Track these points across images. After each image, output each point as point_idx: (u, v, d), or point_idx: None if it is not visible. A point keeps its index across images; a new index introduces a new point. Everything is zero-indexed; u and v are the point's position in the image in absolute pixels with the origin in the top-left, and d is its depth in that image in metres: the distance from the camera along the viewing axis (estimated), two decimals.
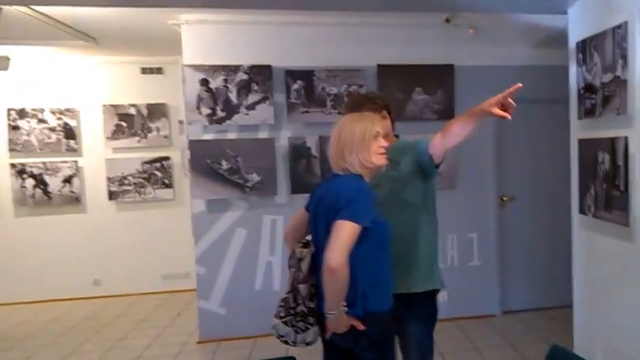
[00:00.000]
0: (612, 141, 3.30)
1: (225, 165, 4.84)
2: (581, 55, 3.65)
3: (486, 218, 5.42)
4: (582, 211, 3.74)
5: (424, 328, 2.61)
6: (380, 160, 2.22)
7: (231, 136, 4.93)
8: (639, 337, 3.13)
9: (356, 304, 2.12)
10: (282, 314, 2.23)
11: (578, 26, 3.77)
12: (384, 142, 2.23)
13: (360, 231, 2.02)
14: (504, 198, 5.49)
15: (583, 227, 3.82)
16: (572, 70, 3.81)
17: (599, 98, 3.43)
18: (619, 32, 3.17)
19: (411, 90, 5.21)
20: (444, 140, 2.40)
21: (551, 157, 5.37)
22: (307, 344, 2.24)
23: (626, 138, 3.15)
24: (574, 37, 3.78)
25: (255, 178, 4.94)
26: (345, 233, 1.98)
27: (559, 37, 4.30)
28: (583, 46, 3.61)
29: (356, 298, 2.11)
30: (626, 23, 3.09)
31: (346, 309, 2.09)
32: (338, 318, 2.09)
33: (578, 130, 3.79)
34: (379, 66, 5.16)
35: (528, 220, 5.51)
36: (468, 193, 5.32)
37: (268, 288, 5.03)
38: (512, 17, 4.85)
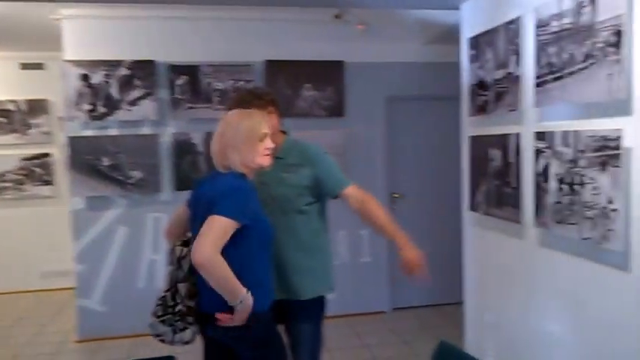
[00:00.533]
0: (504, 138, 3.23)
1: (106, 162, 4.72)
2: (473, 52, 3.57)
3: None
4: (473, 208, 3.67)
5: (313, 328, 2.52)
6: (264, 161, 2.15)
7: (113, 132, 4.73)
8: (528, 332, 3.08)
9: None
10: (159, 313, 2.15)
11: (470, 22, 3.69)
12: (270, 144, 2.16)
13: (235, 228, 1.96)
14: (395, 195, 5.40)
15: (473, 224, 3.76)
16: (465, 66, 3.73)
17: (492, 95, 3.35)
18: (511, 28, 3.09)
19: (299, 86, 5.07)
20: (359, 212, 2.55)
21: (442, 154, 5.32)
22: (185, 343, 2.15)
23: (517, 135, 3.08)
24: (466, 34, 3.70)
25: (137, 174, 4.77)
26: (215, 227, 1.91)
27: (452, 34, 4.22)
28: (475, 42, 3.53)
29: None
30: (518, 19, 3.02)
31: (248, 298, 1.99)
32: (243, 309, 1.99)
33: (470, 126, 3.71)
34: (267, 61, 4.99)
35: (419, 217, 5.46)
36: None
37: (152, 286, 4.80)
38: (404, 13, 4.74)
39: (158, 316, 2.14)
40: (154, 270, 4.84)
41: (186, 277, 2.13)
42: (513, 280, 3.26)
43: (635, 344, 2.28)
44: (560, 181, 2.67)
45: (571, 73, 2.56)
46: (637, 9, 2.18)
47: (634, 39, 2.20)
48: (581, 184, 2.52)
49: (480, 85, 3.49)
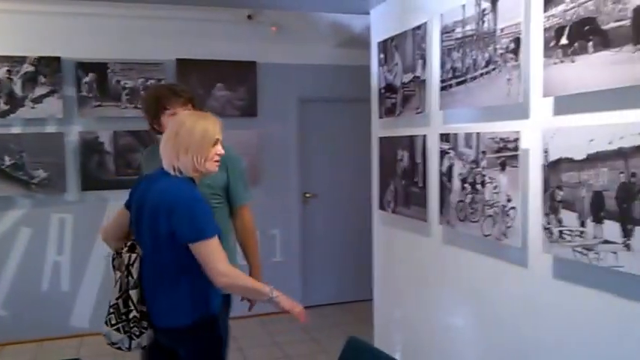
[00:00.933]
0: (411, 139, 3.28)
1: (8, 161, 4.45)
2: (382, 55, 3.60)
3: (289, 214, 5.28)
4: (382, 207, 3.71)
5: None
6: (213, 167, 2.09)
7: (16, 130, 4.53)
8: (435, 327, 3.14)
9: (187, 309, 2.04)
10: (113, 321, 2.08)
11: (379, 27, 3.72)
12: (221, 150, 2.09)
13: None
14: (307, 194, 5.38)
15: (383, 223, 3.80)
16: (374, 69, 3.76)
17: (400, 97, 3.40)
18: (418, 33, 3.15)
19: (211, 86, 4.98)
20: (238, 233, 2.62)
21: (354, 155, 5.35)
22: (143, 348, 2.12)
23: (424, 136, 3.14)
24: (376, 38, 3.73)
25: (41, 174, 4.53)
26: (211, 252, 1.94)
27: (362, 37, 4.24)
28: (384, 46, 3.56)
29: (186, 301, 2.04)
30: (425, 24, 3.07)
31: (274, 293, 2.05)
32: (281, 298, 2.05)
33: (379, 128, 3.75)
34: (178, 60, 4.84)
35: (331, 216, 5.47)
36: (270, 190, 5.12)
37: (56, 289, 4.59)
38: (316, 16, 4.74)
39: (112, 325, 2.08)
40: (58, 272, 4.61)
41: (136, 284, 2.08)
42: (420, 277, 3.31)
43: (533, 336, 2.36)
44: (463, 180, 2.74)
45: (473, 78, 2.63)
46: (534, 18, 2.26)
47: (531, 46, 2.28)
48: (483, 183, 2.59)
49: (388, 88, 3.53)
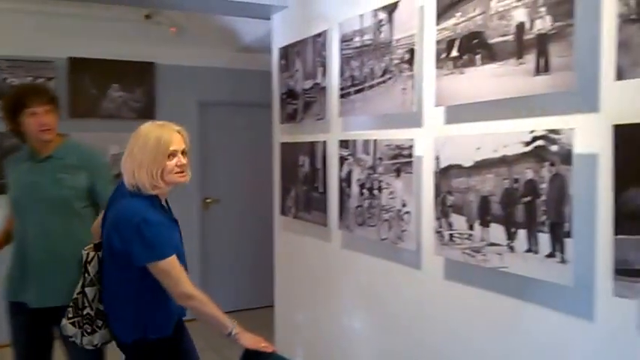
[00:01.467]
0: (312, 145, 3.28)
1: None
2: (283, 61, 3.58)
3: (189, 221, 5.09)
4: (283, 212, 3.68)
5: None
6: (174, 179, 2.00)
7: None
8: (336, 330, 3.16)
9: (128, 328, 2.02)
10: (70, 314, 2.13)
11: (281, 33, 3.70)
12: (182, 160, 2.01)
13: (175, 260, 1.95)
14: (208, 200, 5.24)
15: (284, 228, 3.77)
16: (275, 75, 3.73)
17: (301, 104, 3.39)
18: (319, 40, 3.16)
19: (107, 86, 4.75)
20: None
21: (255, 160, 5.27)
22: (94, 346, 2.13)
23: (324, 142, 3.15)
24: (277, 43, 3.70)
25: None
26: (166, 274, 1.92)
27: (264, 42, 4.19)
28: (285, 52, 3.55)
29: (129, 321, 2.01)
30: (325, 32, 3.09)
31: (235, 329, 2.00)
32: (242, 335, 2.01)
33: (281, 133, 3.72)
34: (71, 59, 4.57)
35: (233, 222, 5.36)
36: (168, 195, 4.91)
37: None
38: (217, 19, 4.62)
39: (69, 318, 2.12)
40: None
41: (93, 282, 2.10)
42: (320, 282, 3.31)
43: (428, 336, 2.43)
44: (362, 186, 2.78)
45: (371, 87, 2.67)
46: (427, 30, 2.33)
47: (424, 57, 2.36)
48: (379, 189, 2.64)
49: (290, 94, 3.51)
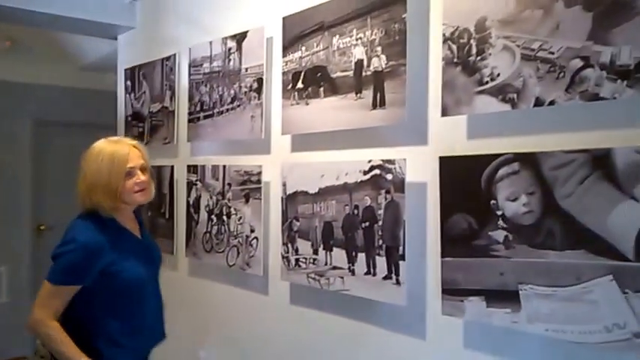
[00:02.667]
0: (159, 169, 3.12)
1: None
2: (129, 83, 3.39)
3: (19, 249, 4.57)
4: None
5: None
6: (134, 199, 1.80)
7: None
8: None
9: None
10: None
11: (128, 53, 3.50)
12: (141, 178, 1.79)
13: (71, 290, 1.72)
14: (42, 227, 4.73)
15: None
16: (121, 96, 3.51)
17: (147, 127, 3.22)
18: (168, 64, 3.04)
19: None
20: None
21: None
22: None
23: (172, 167, 3.02)
24: (123, 64, 3.50)
25: None
26: (42, 292, 1.73)
27: (109, 62, 3.93)
28: (132, 73, 3.36)
29: (90, 354, 1.72)
30: (174, 56, 2.99)
31: None
32: None
33: None
34: None
35: None
36: None
37: None
38: (59, 35, 4.24)
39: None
40: None
41: None
42: (168, 311, 3.12)
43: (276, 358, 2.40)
44: (210, 212, 2.69)
45: (220, 112, 2.63)
46: (275, 61, 2.35)
47: (272, 87, 2.37)
48: (228, 214, 2.58)
49: (135, 117, 3.33)
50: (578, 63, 1.38)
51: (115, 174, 1.74)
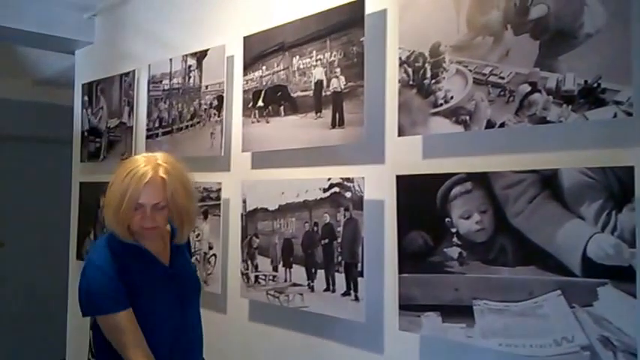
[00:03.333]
0: None
1: None
2: (87, 98, 3.30)
3: None
4: (80, 257, 3.32)
5: None
6: (147, 235, 1.61)
7: None
8: None
9: None
10: None
11: (85, 68, 3.42)
12: (147, 215, 1.55)
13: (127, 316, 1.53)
14: None
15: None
16: (77, 111, 3.42)
17: (104, 142, 3.14)
18: (126, 80, 2.98)
19: None
20: None
21: (51, 200, 4.66)
22: None
23: None
24: (80, 79, 3.41)
25: None
26: (110, 331, 1.56)
27: (66, 77, 3.82)
28: (89, 88, 3.28)
29: None
30: (133, 72, 2.93)
31: None
32: None
33: (81, 172, 3.40)
34: None
35: (23, 268, 4.68)
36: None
37: None
38: (15, 49, 4.10)
39: None
40: None
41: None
42: None
43: None
44: None
45: (179, 129, 2.59)
46: (235, 79, 2.34)
47: (232, 105, 2.36)
48: None
49: (92, 132, 3.24)
50: (526, 88, 1.44)
51: (126, 204, 1.51)
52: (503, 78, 1.48)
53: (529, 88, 1.44)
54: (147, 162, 1.56)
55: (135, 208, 1.53)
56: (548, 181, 1.40)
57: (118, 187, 1.53)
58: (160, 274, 1.65)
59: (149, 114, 2.78)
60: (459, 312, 1.55)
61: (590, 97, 1.33)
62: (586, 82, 1.34)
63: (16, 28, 3.05)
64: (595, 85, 1.33)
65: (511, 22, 1.48)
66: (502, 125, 1.47)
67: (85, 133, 3.31)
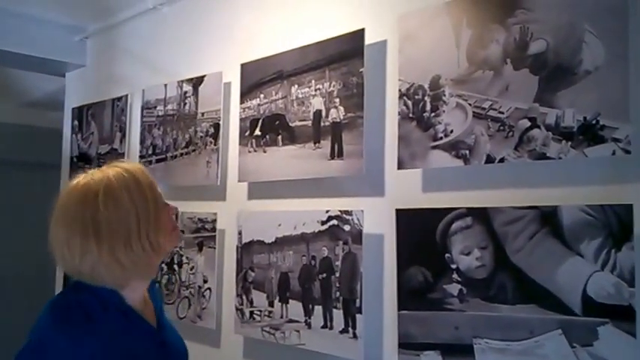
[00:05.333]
0: None
1: None
2: (76, 123, 3.41)
3: None
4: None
5: None
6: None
7: None
8: None
9: None
10: None
11: (75, 92, 3.53)
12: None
13: None
14: None
15: None
16: (67, 136, 3.52)
17: (95, 169, 3.23)
18: (119, 105, 3.09)
19: None
20: None
21: (38, 227, 4.73)
22: None
23: None
24: (70, 103, 3.52)
25: None
26: None
27: (55, 100, 3.93)
28: (80, 113, 3.39)
29: None
30: (126, 97, 3.04)
31: None
32: None
33: None
34: None
35: (5, 295, 4.74)
36: None
37: None
38: (3, 70, 4.21)
39: None
40: None
41: None
42: None
43: None
44: (161, 261, 2.71)
45: (174, 157, 2.68)
46: (232, 107, 2.44)
47: (229, 133, 2.45)
48: (180, 263, 2.61)
49: (82, 158, 3.34)
50: (525, 123, 1.53)
51: (160, 205, 1.30)
52: (502, 113, 1.58)
53: (528, 124, 1.53)
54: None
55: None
56: (547, 218, 1.49)
57: (136, 200, 1.21)
58: (147, 343, 1.27)
59: (142, 140, 2.88)
60: (459, 351, 1.62)
61: (589, 133, 1.42)
62: (585, 118, 1.43)
63: (5, 50, 3.17)
64: (594, 121, 1.42)
65: (511, 57, 1.58)
66: (502, 160, 1.56)
67: (75, 159, 3.40)
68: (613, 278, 1.37)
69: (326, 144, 2.01)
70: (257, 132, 2.27)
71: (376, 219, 1.89)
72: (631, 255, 1.35)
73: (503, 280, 1.56)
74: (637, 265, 1.34)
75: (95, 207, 1.19)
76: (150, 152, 2.82)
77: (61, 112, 3.68)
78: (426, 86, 1.73)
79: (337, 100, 1.99)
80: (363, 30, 1.92)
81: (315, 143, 2.05)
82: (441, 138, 1.69)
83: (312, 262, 2.04)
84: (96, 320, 1.19)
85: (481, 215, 1.61)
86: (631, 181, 1.38)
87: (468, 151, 1.63)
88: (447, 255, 1.67)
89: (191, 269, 2.55)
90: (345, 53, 1.97)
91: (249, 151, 2.29)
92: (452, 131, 1.67)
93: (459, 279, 1.64)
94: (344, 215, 1.96)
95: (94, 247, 1.17)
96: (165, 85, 2.75)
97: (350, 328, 1.89)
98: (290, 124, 2.15)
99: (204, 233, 2.51)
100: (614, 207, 1.39)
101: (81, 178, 1.27)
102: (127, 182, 1.24)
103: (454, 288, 1.65)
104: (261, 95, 2.27)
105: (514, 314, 1.53)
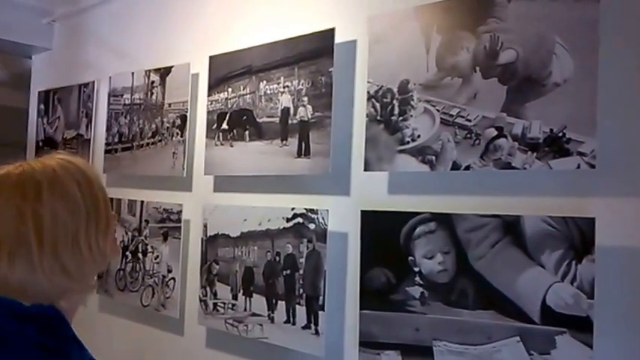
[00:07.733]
0: None
1: None
2: (42, 106, 3.18)
3: None
4: None
5: None
6: None
7: None
8: None
9: None
10: None
11: (42, 75, 3.30)
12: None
13: None
14: None
15: None
16: (32, 119, 3.29)
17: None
18: (85, 91, 2.88)
19: None
20: None
21: None
22: None
23: None
24: (37, 86, 3.29)
25: None
26: None
27: (22, 80, 3.66)
28: (46, 97, 3.16)
29: None
30: (93, 83, 2.84)
31: None
32: None
33: None
34: None
35: None
36: None
37: None
38: None
39: None
40: None
41: None
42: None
43: None
44: (125, 248, 2.55)
45: (140, 146, 2.52)
46: (200, 100, 2.29)
47: (196, 125, 2.30)
48: (144, 252, 2.46)
49: (47, 142, 3.13)
50: (492, 132, 1.44)
51: (110, 212, 1.04)
52: (470, 120, 1.49)
53: (495, 133, 1.44)
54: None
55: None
56: (510, 227, 1.41)
57: (86, 195, 0.95)
58: None
59: (108, 128, 2.69)
60: (419, 352, 1.54)
61: (555, 146, 1.34)
62: (552, 130, 1.35)
63: None
64: (560, 134, 1.34)
65: (480, 65, 1.48)
66: (467, 168, 1.47)
67: (40, 143, 3.18)
68: (572, 289, 1.31)
69: (293, 142, 1.88)
70: (224, 126, 2.13)
71: (341, 218, 1.79)
72: (591, 267, 1.28)
73: (465, 285, 1.48)
74: (597, 277, 1.28)
75: (38, 198, 0.90)
76: (116, 140, 2.64)
77: (25, 93, 3.43)
78: (395, 90, 1.62)
79: (305, 98, 1.86)
80: (333, 29, 1.79)
81: (282, 140, 1.92)
82: (408, 142, 1.59)
83: (277, 258, 1.93)
84: None
85: (445, 221, 1.52)
86: (594, 195, 1.31)
87: (434, 157, 1.54)
88: (410, 258, 1.58)
89: (155, 258, 2.41)
90: (315, 52, 1.84)
91: (216, 145, 2.15)
92: (419, 136, 1.57)
93: (421, 282, 1.56)
94: (309, 214, 1.85)
95: (32, 248, 0.88)
96: (133, 74, 2.56)
97: (312, 325, 1.80)
98: (257, 120, 2.02)
99: (170, 224, 2.36)
100: (577, 220, 1.32)
101: (12, 168, 0.95)
102: (75, 174, 0.96)
103: (416, 291, 1.57)
104: (229, 89, 2.12)
105: (474, 319, 1.46)
